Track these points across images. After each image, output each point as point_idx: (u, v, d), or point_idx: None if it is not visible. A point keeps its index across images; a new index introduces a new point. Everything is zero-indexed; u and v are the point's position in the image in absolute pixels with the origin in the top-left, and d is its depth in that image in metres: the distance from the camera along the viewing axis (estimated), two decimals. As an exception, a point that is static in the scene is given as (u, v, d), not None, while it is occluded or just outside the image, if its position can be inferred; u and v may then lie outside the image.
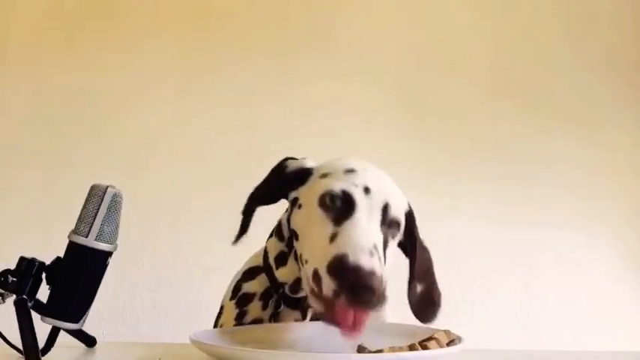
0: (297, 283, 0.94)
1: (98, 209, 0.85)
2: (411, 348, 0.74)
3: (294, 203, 0.92)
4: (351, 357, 0.76)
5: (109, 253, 0.87)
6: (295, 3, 2.10)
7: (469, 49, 2.11)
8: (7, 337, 0.89)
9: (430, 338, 0.76)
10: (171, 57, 2.05)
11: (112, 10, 2.07)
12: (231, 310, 1.01)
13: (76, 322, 0.86)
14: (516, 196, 2.02)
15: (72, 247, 0.85)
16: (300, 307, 0.96)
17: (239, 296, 1.01)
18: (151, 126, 2.02)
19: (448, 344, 0.76)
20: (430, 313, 0.94)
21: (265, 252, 1.00)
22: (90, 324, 0.90)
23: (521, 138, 2.06)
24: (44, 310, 0.85)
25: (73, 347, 0.97)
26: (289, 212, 0.94)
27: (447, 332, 0.79)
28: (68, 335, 0.94)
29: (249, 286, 1.01)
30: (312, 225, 0.85)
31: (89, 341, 0.98)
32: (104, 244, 0.85)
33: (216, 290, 1.87)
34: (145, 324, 1.88)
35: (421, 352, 0.73)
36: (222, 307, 1.05)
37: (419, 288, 0.94)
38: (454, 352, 0.74)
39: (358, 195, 0.85)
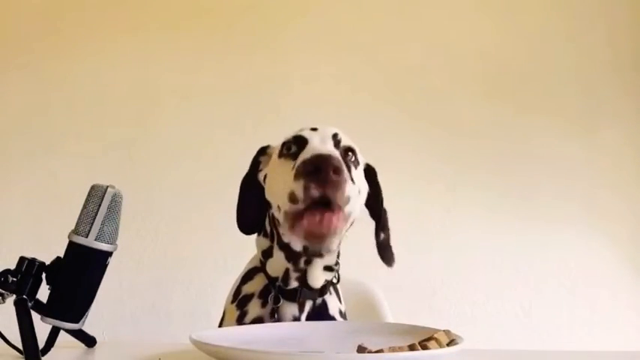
0: (286, 275, 0.98)
1: (98, 209, 0.85)
2: (411, 348, 0.74)
3: (264, 180, 1.01)
4: (351, 357, 0.76)
5: (109, 253, 0.87)
6: (296, 3, 2.11)
7: (469, 49, 2.11)
8: (7, 337, 0.89)
9: (430, 338, 0.76)
10: (169, 54, 2.05)
11: (113, 5, 2.07)
12: (233, 313, 1.02)
13: (76, 322, 0.86)
14: (516, 196, 2.02)
15: (72, 247, 0.85)
16: (297, 300, 0.98)
17: (239, 299, 1.03)
18: (150, 126, 2.02)
19: (448, 344, 0.76)
20: (390, 258, 1.03)
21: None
22: (90, 324, 0.90)
23: (521, 138, 2.06)
24: (44, 310, 0.85)
25: (73, 347, 0.97)
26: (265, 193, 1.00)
27: (447, 332, 0.79)
28: (68, 335, 0.94)
29: (248, 287, 1.03)
30: (278, 174, 0.94)
31: (89, 341, 0.98)
32: (104, 244, 0.85)
33: (216, 290, 1.89)
34: (144, 324, 1.88)
35: (421, 352, 0.73)
36: (224, 312, 1.06)
37: (382, 236, 1.03)
38: (454, 352, 0.74)
39: (306, 132, 0.95)
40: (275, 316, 0.97)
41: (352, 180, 0.90)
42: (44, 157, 1.98)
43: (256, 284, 1.02)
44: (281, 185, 0.90)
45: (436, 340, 0.76)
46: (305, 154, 0.86)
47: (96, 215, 0.85)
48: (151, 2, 2.08)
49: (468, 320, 1.92)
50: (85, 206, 0.86)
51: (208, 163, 1.99)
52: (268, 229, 1.01)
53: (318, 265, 0.98)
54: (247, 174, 1.06)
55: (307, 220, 0.84)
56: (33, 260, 0.85)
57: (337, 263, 1.02)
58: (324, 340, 0.86)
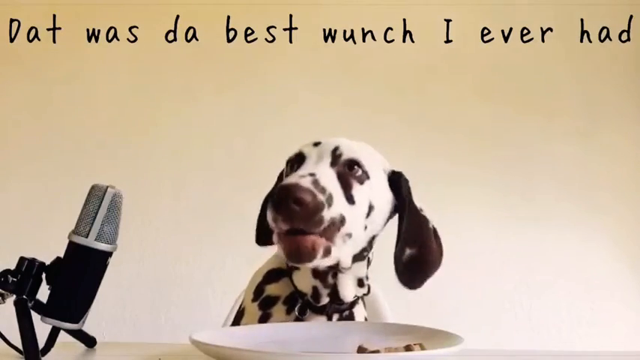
0: (316, 292, 0.96)
1: (98, 209, 0.85)
2: (407, 349, 0.74)
3: None
4: (350, 357, 0.75)
5: (109, 253, 0.87)
6: (297, 3, 2.11)
7: (469, 49, 2.11)
8: (7, 337, 0.89)
9: (408, 347, 0.75)
10: (170, 54, 2.05)
11: (113, 6, 2.07)
12: (255, 312, 1.00)
13: (76, 322, 0.86)
14: (516, 196, 2.03)
15: (72, 247, 0.85)
16: (325, 312, 0.97)
17: (262, 298, 1.00)
18: (151, 126, 2.02)
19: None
20: (415, 279, 0.96)
21: None
22: (90, 324, 0.90)
23: (521, 138, 2.06)
24: (44, 310, 0.85)
25: (73, 347, 0.97)
26: None
27: (421, 345, 0.77)
28: (68, 335, 0.94)
29: (272, 289, 1.00)
30: None
31: (89, 341, 0.98)
32: (104, 245, 0.85)
33: (216, 290, 1.89)
34: (144, 324, 1.88)
35: (421, 352, 0.73)
36: (243, 309, 1.04)
37: (407, 252, 0.94)
38: (454, 352, 0.74)
39: (307, 149, 0.94)
40: None
41: (349, 198, 0.88)
42: (44, 157, 1.98)
43: (281, 288, 1.00)
44: None
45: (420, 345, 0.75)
46: (282, 182, 0.85)
47: (96, 215, 0.85)
48: (150, 2, 2.08)
49: (467, 320, 1.92)
50: (85, 206, 0.86)
51: (209, 163, 1.99)
52: None
53: (346, 279, 0.96)
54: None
55: (284, 244, 0.84)
56: (33, 260, 0.85)
57: (367, 277, 1.00)
58: (324, 341, 0.85)
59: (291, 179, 0.82)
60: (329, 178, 0.87)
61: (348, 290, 0.96)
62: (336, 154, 0.92)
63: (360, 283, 0.98)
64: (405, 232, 0.94)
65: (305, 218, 0.81)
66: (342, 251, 0.88)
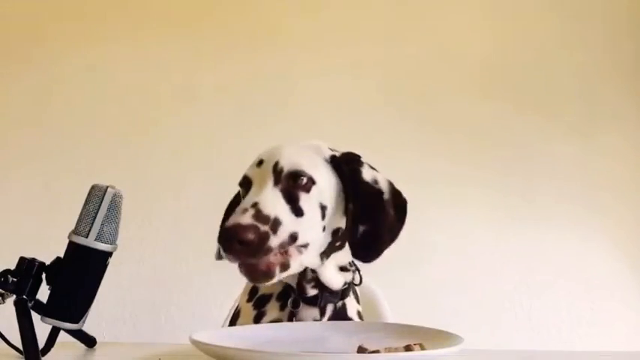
0: (301, 285, 0.98)
1: (98, 209, 0.85)
2: (407, 348, 0.74)
3: None
4: (350, 357, 0.75)
5: (109, 253, 0.87)
6: (298, 3, 2.11)
7: (469, 50, 2.11)
8: (7, 337, 0.89)
9: (408, 347, 0.75)
10: (170, 54, 2.05)
11: (112, 6, 2.07)
12: (250, 312, 1.02)
13: (76, 322, 0.86)
14: (516, 196, 2.02)
15: (72, 247, 0.85)
16: (318, 304, 0.98)
17: (256, 298, 1.03)
18: (151, 125, 2.02)
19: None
20: (371, 253, 0.94)
21: None
22: (90, 324, 0.90)
23: (521, 138, 2.06)
24: (44, 310, 0.85)
25: (73, 347, 0.97)
26: None
27: (421, 345, 0.77)
28: (68, 335, 0.94)
29: (266, 288, 1.02)
30: None
31: (89, 341, 0.98)
32: (104, 245, 0.85)
33: (216, 290, 1.89)
34: (144, 324, 1.88)
35: (421, 352, 0.73)
36: (239, 310, 1.06)
37: (360, 229, 0.94)
38: (454, 352, 0.74)
39: (251, 171, 0.96)
40: (294, 319, 0.97)
41: (297, 212, 0.90)
42: (44, 157, 1.98)
43: (274, 286, 1.00)
44: None
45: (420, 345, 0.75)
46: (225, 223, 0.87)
47: (96, 215, 0.85)
48: (150, 2, 2.08)
49: (468, 320, 1.91)
50: (85, 206, 0.86)
51: (209, 162, 1.99)
52: None
53: (326, 268, 0.97)
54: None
55: (241, 271, 0.88)
56: (33, 260, 0.85)
57: (352, 264, 1.01)
58: (324, 341, 0.86)
59: (233, 219, 0.85)
60: (273, 202, 0.89)
61: (331, 278, 0.98)
62: (277, 171, 0.93)
63: (343, 269, 1.00)
64: (354, 211, 0.94)
65: (252, 253, 0.85)
66: (302, 259, 0.91)
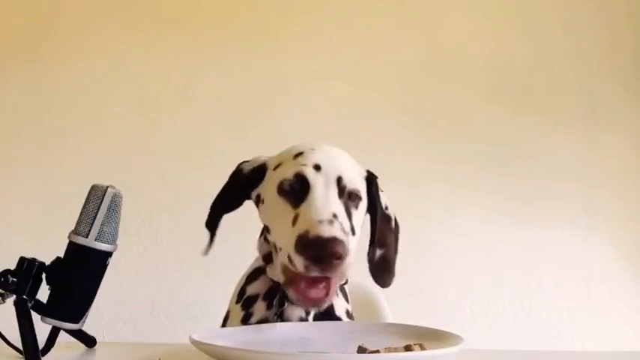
0: None
1: (98, 209, 0.85)
2: (407, 348, 0.74)
3: (258, 200, 0.99)
4: (350, 357, 0.76)
5: (109, 253, 0.87)
6: (296, 3, 2.11)
7: (468, 49, 2.11)
8: (7, 337, 0.89)
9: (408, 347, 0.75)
10: (169, 55, 2.05)
11: (112, 6, 2.06)
12: (238, 313, 1.01)
13: (76, 322, 0.86)
14: (516, 196, 2.02)
15: (72, 247, 0.85)
16: None
17: (244, 299, 1.02)
18: (151, 125, 2.02)
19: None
20: (385, 278, 0.99)
21: None
22: (90, 324, 0.90)
23: (521, 138, 2.06)
24: (44, 310, 0.85)
25: (73, 347, 0.97)
26: (258, 210, 0.99)
27: (421, 345, 0.77)
28: (68, 335, 0.94)
29: (253, 288, 1.02)
30: (277, 214, 0.92)
31: (89, 341, 0.98)
32: (104, 245, 0.85)
33: (216, 290, 1.89)
34: (144, 324, 1.88)
35: (421, 352, 0.73)
36: (228, 312, 1.06)
37: (378, 253, 0.97)
38: (454, 352, 0.74)
39: (310, 174, 0.90)
40: (281, 318, 0.97)
41: (352, 230, 0.89)
42: (44, 157, 1.97)
43: (260, 285, 1.01)
44: (283, 232, 0.89)
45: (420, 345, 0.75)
46: (305, 223, 0.84)
47: (96, 215, 0.85)
48: (149, 3, 2.08)
49: (468, 320, 1.92)
50: (85, 206, 0.86)
51: (208, 162, 1.98)
52: (270, 237, 0.99)
53: None
54: (236, 181, 1.03)
55: (303, 285, 0.85)
56: (33, 260, 0.85)
57: None
58: (324, 341, 0.86)
59: (325, 229, 0.81)
60: (344, 218, 0.88)
61: None
62: (340, 186, 0.91)
63: None
64: (378, 234, 0.98)
65: (340, 268, 0.82)
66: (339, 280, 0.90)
